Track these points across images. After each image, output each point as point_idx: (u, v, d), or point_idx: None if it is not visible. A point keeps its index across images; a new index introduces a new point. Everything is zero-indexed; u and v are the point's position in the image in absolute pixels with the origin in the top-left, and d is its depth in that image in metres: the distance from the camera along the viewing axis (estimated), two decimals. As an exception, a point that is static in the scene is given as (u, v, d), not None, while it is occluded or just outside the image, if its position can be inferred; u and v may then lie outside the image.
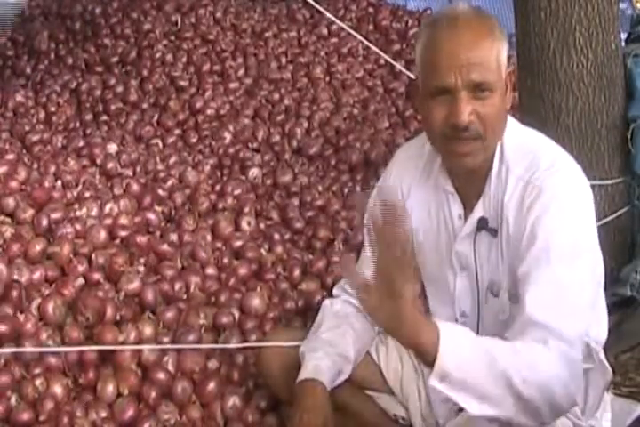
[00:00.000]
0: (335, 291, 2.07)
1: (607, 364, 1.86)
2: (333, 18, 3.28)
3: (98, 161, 3.18)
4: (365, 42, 3.63)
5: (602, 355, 1.85)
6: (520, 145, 1.74)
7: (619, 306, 2.65)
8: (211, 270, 2.67)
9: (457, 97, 1.63)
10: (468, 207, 1.80)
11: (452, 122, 1.64)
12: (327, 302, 2.04)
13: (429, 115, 1.68)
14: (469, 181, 1.78)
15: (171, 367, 2.28)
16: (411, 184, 1.90)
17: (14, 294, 2.34)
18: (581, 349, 1.64)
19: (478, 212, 1.77)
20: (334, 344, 1.90)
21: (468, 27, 1.65)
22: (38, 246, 2.53)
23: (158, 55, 4.08)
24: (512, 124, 1.78)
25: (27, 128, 3.47)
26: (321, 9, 3.33)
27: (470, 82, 1.62)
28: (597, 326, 1.83)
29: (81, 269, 2.51)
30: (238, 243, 2.83)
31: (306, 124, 3.73)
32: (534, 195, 1.67)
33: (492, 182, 1.74)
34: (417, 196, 1.88)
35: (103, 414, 2.14)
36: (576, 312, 1.62)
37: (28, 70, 4.16)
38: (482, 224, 1.77)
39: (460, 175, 1.79)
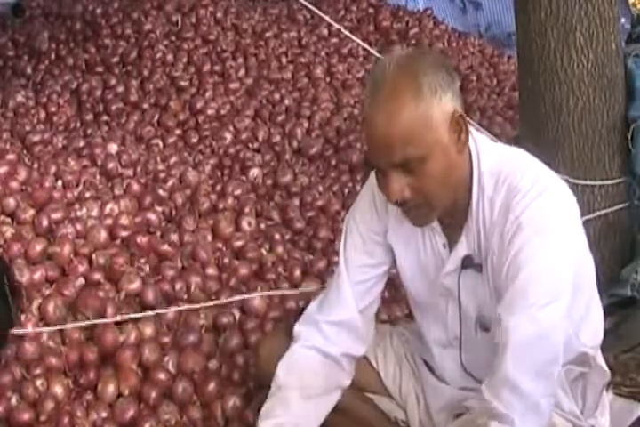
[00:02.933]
0: (297, 329, 1.90)
1: (605, 365, 1.85)
2: (332, 21, 3.28)
3: (98, 161, 3.18)
4: (363, 44, 3.62)
5: (599, 358, 1.84)
6: (497, 170, 1.66)
7: (619, 306, 2.65)
8: (211, 270, 2.67)
9: (385, 176, 1.61)
10: (452, 238, 1.75)
11: (387, 198, 1.64)
12: (289, 352, 1.88)
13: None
14: (451, 215, 1.72)
15: (171, 368, 2.28)
16: (391, 215, 1.82)
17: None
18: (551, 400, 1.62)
19: (462, 249, 1.72)
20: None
21: (387, 98, 1.56)
22: (39, 246, 2.53)
23: (159, 55, 4.07)
24: (485, 146, 1.71)
25: (27, 128, 3.47)
26: (319, 13, 3.32)
27: (393, 163, 1.58)
28: (588, 331, 1.80)
29: (81, 269, 2.51)
30: (239, 243, 2.83)
31: (306, 125, 3.73)
32: (515, 227, 1.60)
33: (474, 215, 1.68)
34: (399, 226, 1.81)
35: (104, 415, 2.15)
36: (548, 364, 1.59)
37: (29, 70, 4.15)
38: (467, 262, 1.72)
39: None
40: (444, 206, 1.67)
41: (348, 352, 1.88)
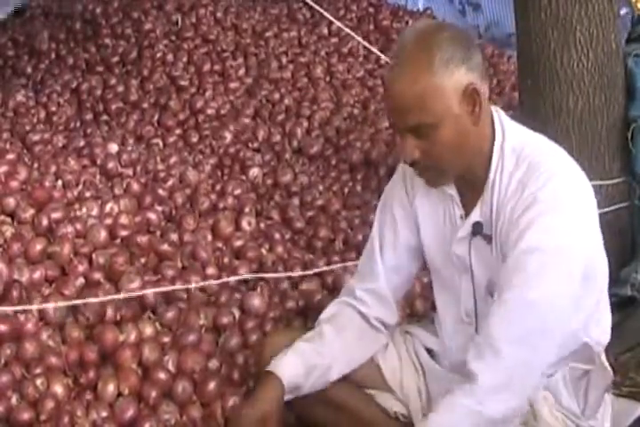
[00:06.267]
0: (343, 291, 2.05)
1: (608, 366, 1.86)
2: (333, 19, 3.28)
3: (98, 161, 3.18)
4: (364, 43, 3.62)
5: (603, 357, 1.85)
6: (520, 148, 1.74)
7: (619, 306, 2.65)
8: (211, 270, 2.67)
9: (401, 137, 1.72)
10: (468, 210, 1.81)
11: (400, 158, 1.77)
12: (328, 307, 2.02)
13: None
14: (468, 185, 1.80)
15: (171, 367, 2.28)
16: (419, 188, 1.90)
17: (14, 293, 2.34)
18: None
19: (475, 216, 1.79)
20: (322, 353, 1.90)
21: (403, 67, 1.68)
22: (39, 246, 2.53)
23: (159, 55, 4.08)
24: (511, 126, 1.78)
25: (27, 128, 3.47)
26: (321, 10, 3.33)
27: (406, 126, 1.69)
28: (598, 327, 1.83)
29: (81, 268, 2.51)
30: (239, 243, 2.83)
31: (306, 124, 3.73)
32: (529, 201, 1.67)
33: (490, 187, 1.75)
34: (424, 198, 1.90)
35: (104, 414, 2.14)
36: (534, 333, 1.64)
37: (29, 70, 4.16)
38: (477, 229, 1.78)
39: (458, 180, 1.81)
40: (455, 172, 1.76)
41: (379, 317, 1.98)
